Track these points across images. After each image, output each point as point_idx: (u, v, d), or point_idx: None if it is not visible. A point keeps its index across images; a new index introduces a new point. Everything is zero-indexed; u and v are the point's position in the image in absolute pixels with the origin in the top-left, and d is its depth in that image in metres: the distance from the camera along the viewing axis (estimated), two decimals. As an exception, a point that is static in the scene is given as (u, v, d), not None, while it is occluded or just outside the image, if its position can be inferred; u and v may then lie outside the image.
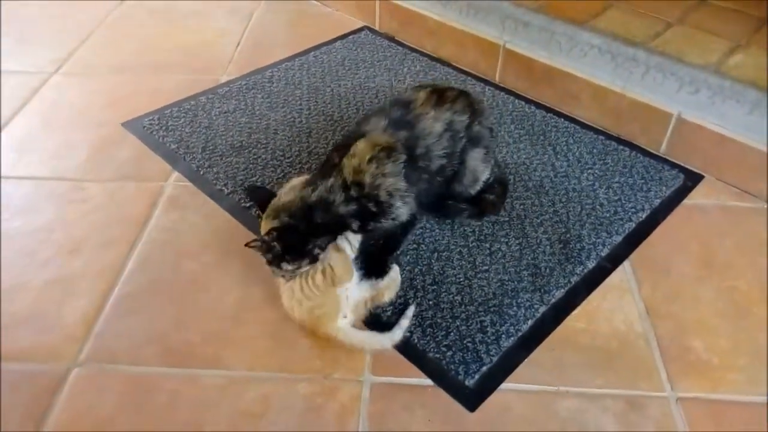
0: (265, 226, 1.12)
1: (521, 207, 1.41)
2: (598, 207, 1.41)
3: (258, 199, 1.23)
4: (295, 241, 1.09)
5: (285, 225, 1.10)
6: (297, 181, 1.21)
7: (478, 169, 1.31)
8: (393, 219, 1.18)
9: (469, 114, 1.27)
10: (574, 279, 1.25)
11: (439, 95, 1.26)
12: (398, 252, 1.28)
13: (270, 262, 1.11)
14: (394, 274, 1.18)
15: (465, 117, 1.27)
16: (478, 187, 1.33)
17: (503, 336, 1.14)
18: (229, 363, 1.09)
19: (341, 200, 1.13)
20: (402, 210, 1.18)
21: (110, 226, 1.35)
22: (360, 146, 1.15)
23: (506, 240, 1.33)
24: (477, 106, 1.31)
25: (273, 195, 1.19)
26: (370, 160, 1.14)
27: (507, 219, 1.37)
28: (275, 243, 1.08)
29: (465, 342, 1.12)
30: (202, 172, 1.48)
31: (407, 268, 1.26)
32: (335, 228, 1.14)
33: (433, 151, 1.22)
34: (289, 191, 1.16)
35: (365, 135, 1.18)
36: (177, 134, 1.59)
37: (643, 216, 1.40)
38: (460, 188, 1.31)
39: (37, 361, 1.09)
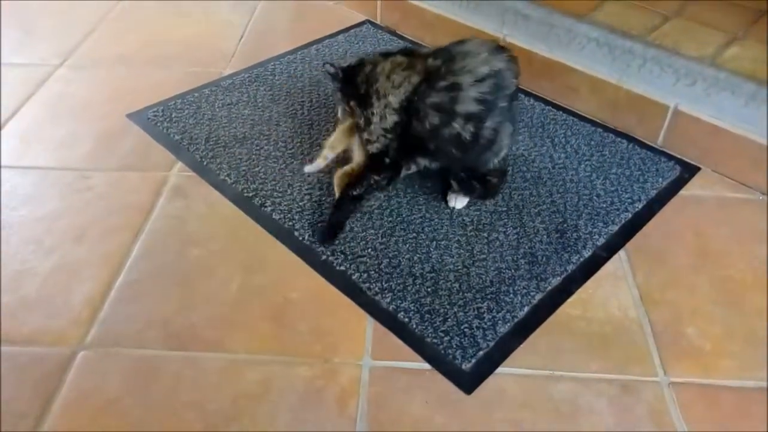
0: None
1: (519, 197, 1.43)
2: (594, 198, 1.44)
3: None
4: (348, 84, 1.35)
5: (348, 69, 1.36)
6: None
7: (504, 143, 1.29)
8: (368, 134, 1.31)
9: (516, 80, 1.28)
10: (571, 267, 1.27)
11: (499, 47, 1.29)
12: (354, 194, 1.33)
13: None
14: None
15: (514, 79, 1.27)
16: (496, 160, 1.31)
17: (500, 322, 1.16)
18: (230, 346, 1.12)
19: (372, 82, 1.30)
20: (377, 129, 1.29)
21: (115, 215, 1.38)
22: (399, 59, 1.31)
23: (504, 229, 1.35)
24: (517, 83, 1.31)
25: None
26: (393, 70, 1.29)
27: (505, 209, 1.40)
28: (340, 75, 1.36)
29: (462, 328, 1.15)
30: (205, 163, 1.51)
31: (406, 256, 1.28)
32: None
33: (464, 90, 1.21)
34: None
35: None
36: (181, 125, 1.62)
37: (639, 207, 1.42)
38: (487, 156, 1.30)
39: (44, 345, 1.12)
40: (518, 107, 1.34)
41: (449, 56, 1.25)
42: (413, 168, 1.34)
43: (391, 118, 1.27)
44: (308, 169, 1.44)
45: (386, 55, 1.34)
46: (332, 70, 1.37)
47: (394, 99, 1.26)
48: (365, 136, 1.32)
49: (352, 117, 1.37)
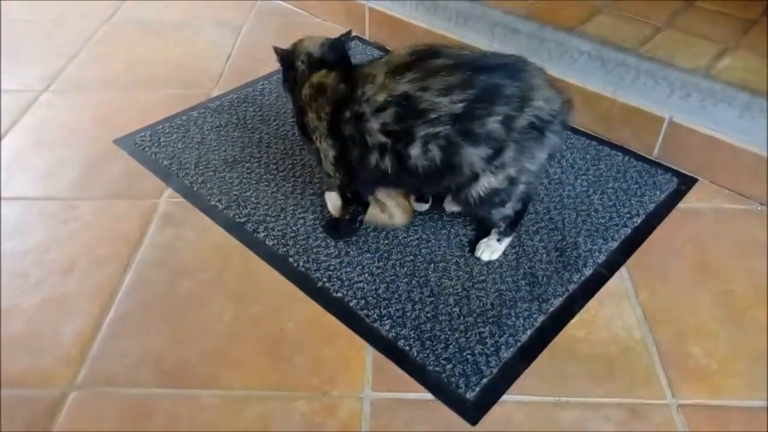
0: None
1: (516, 215, 1.41)
2: (593, 213, 1.42)
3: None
4: None
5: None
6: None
7: (479, 167, 1.13)
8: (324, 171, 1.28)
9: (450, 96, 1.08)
10: (572, 287, 1.25)
11: (407, 65, 1.12)
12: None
13: None
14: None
15: (442, 97, 1.08)
16: (479, 189, 1.15)
17: (503, 347, 1.13)
18: (226, 382, 1.08)
19: (305, 109, 1.26)
20: (327, 166, 1.25)
21: (104, 245, 1.34)
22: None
23: (502, 249, 1.33)
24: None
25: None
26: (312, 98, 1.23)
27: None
28: None
29: (465, 354, 1.12)
30: (195, 188, 1.47)
31: (404, 280, 1.25)
32: None
33: (368, 121, 1.13)
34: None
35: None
36: (169, 150, 1.59)
37: (638, 221, 1.40)
38: (451, 182, 1.17)
39: (32, 386, 1.08)
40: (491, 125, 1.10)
41: (354, 78, 1.16)
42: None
43: (331, 153, 1.22)
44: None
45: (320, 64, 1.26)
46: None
47: (324, 132, 1.21)
48: (323, 171, 1.29)
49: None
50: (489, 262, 1.29)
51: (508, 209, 1.23)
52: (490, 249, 1.30)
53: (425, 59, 1.10)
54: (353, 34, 1.41)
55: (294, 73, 1.30)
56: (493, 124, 1.08)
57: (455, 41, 1.83)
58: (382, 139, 1.13)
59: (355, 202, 1.30)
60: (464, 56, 1.13)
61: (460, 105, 1.07)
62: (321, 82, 1.22)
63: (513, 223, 1.28)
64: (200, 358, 1.12)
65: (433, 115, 1.08)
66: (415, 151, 1.11)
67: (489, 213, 1.23)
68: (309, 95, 1.23)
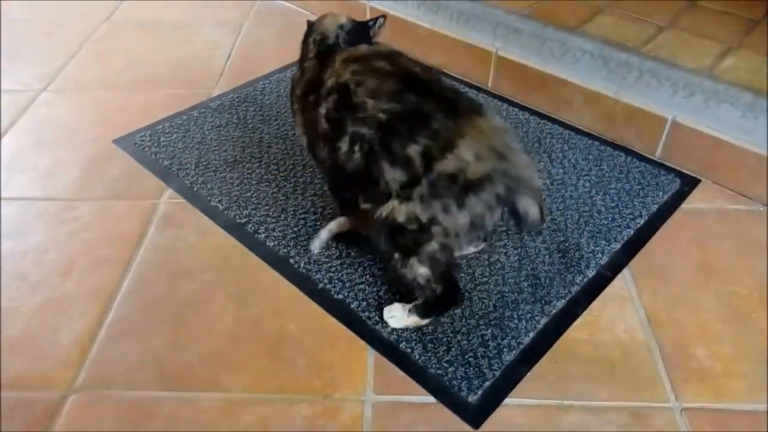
0: None
1: (518, 216, 1.40)
2: (595, 214, 1.41)
3: None
4: None
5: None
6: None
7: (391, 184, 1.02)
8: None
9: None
10: (575, 289, 1.24)
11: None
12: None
13: None
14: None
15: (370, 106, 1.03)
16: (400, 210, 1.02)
17: (505, 349, 1.12)
18: (227, 385, 1.07)
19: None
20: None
21: (103, 246, 1.33)
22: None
23: (504, 250, 1.32)
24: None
25: None
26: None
27: (505, 228, 1.36)
28: None
29: (467, 357, 1.11)
30: (195, 189, 1.46)
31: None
32: None
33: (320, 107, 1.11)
34: None
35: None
36: (169, 150, 1.58)
37: (641, 222, 1.39)
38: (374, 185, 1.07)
39: (31, 389, 1.07)
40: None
41: (326, 63, 1.13)
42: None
43: (303, 142, 1.21)
44: None
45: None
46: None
47: (299, 118, 1.20)
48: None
49: None
50: (491, 263, 1.28)
51: (421, 271, 1.06)
52: (396, 317, 1.14)
53: (376, 57, 1.07)
54: (383, 22, 1.31)
55: (305, 46, 1.27)
56: (413, 151, 0.98)
57: (457, 40, 1.82)
58: (325, 126, 1.09)
59: (340, 202, 1.27)
60: (411, 71, 1.06)
61: (383, 115, 1.00)
62: (310, 70, 1.20)
63: (429, 307, 1.12)
64: (200, 360, 1.11)
65: (361, 114, 1.02)
66: (343, 146, 1.05)
67: (398, 263, 1.08)
68: (296, 80, 1.22)
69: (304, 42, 1.29)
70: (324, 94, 1.09)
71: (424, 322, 1.14)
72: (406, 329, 1.15)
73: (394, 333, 1.15)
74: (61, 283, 1.25)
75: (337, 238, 1.29)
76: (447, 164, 0.97)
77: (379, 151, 1.01)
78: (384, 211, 1.03)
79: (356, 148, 1.04)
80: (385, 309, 1.16)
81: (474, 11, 1.79)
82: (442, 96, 1.03)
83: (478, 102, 1.06)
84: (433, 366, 1.10)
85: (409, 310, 1.14)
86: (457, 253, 1.06)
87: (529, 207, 1.03)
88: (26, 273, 1.28)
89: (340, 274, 1.26)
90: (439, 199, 0.98)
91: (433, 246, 1.02)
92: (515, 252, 1.31)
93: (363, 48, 1.15)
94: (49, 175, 1.52)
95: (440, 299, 1.11)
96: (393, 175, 1.01)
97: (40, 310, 1.20)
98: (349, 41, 1.22)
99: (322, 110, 1.09)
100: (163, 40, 2.08)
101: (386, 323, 1.15)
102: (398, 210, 1.01)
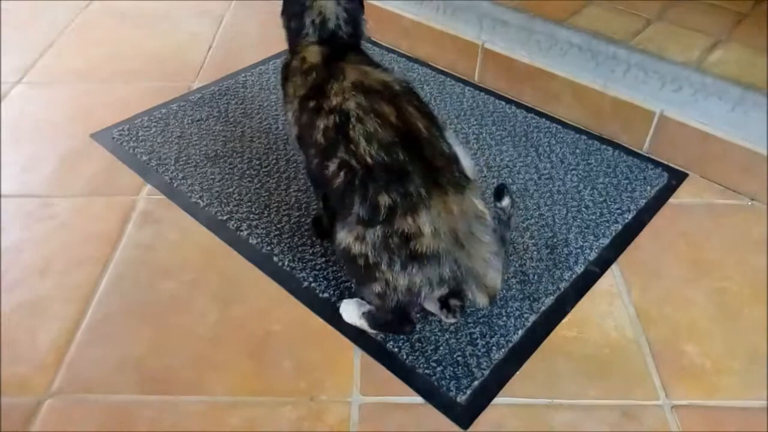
0: None
1: (506, 211, 1.38)
2: (583, 209, 1.39)
3: None
4: None
5: None
6: None
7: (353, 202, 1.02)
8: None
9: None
10: (563, 285, 1.23)
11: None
12: None
13: None
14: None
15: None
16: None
17: (494, 348, 1.11)
18: (210, 388, 1.05)
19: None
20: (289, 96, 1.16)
21: (81, 245, 1.29)
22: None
23: (492, 246, 1.30)
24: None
25: None
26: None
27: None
28: None
29: (455, 356, 1.09)
30: (175, 185, 1.43)
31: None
32: None
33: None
34: None
35: None
36: (148, 145, 1.54)
37: (629, 217, 1.38)
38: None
39: (5, 393, 1.03)
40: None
41: (333, 70, 1.09)
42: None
43: (294, 132, 1.17)
44: None
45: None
46: None
47: (295, 109, 1.15)
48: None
49: None
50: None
51: (370, 299, 1.08)
52: (349, 312, 1.14)
53: (385, 99, 1.04)
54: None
55: (297, 21, 1.18)
56: (382, 200, 0.98)
57: (443, 32, 1.79)
58: (321, 140, 1.07)
59: (324, 205, 1.23)
60: (412, 126, 1.02)
61: (369, 159, 0.99)
62: (312, 63, 1.13)
63: (377, 324, 1.12)
64: (183, 362, 1.08)
65: (352, 146, 1.01)
66: (332, 166, 1.05)
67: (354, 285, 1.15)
68: (296, 68, 1.15)
69: (297, 16, 1.18)
70: (326, 110, 1.06)
71: (372, 331, 1.13)
72: (393, 328, 1.13)
73: (381, 332, 1.13)
74: (38, 283, 1.22)
75: (322, 234, 1.27)
76: (405, 225, 0.96)
77: (357, 185, 1.01)
78: (345, 238, 1.02)
79: (342, 173, 1.03)
80: (344, 300, 1.15)
81: (460, 2, 1.76)
82: (431, 162, 1.01)
83: (467, 177, 1.03)
84: (421, 365, 1.08)
85: (363, 314, 1.12)
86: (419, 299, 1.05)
87: (476, 296, 1.02)
88: (2, 272, 1.23)
89: (325, 272, 1.23)
90: (387, 252, 0.98)
91: (378, 288, 1.02)
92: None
93: (377, 77, 1.08)
94: (25, 171, 1.47)
95: (389, 324, 1.11)
96: (359, 211, 1.01)
97: (16, 312, 1.16)
98: (348, 19, 1.17)
99: (320, 124, 1.07)
100: (141, 31, 2.02)
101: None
102: (353, 243, 1.01)
